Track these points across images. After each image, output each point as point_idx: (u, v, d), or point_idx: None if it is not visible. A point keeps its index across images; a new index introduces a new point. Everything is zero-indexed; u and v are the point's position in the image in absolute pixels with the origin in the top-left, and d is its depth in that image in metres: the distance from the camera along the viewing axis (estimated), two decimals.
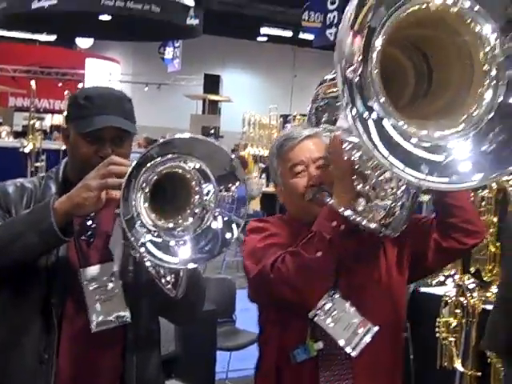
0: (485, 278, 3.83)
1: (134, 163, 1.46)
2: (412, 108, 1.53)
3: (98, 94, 1.77)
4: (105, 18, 15.14)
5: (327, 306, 1.80)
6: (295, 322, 1.84)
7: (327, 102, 1.92)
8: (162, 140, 1.50)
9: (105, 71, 19.71)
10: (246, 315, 4.63)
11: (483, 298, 3.52)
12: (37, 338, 1.67)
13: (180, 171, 1.53)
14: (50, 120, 18.08)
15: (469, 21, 1.43)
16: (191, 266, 1.53)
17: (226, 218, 1.55)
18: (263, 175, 9.73)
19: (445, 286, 3.83)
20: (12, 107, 17.84)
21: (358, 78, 1.34)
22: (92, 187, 1.54)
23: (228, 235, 1.56)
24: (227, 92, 18.49)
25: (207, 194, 1.54)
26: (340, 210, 1.67)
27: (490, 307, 3.43)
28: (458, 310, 3.45)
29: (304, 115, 13.70)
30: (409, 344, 3.62)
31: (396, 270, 1.92)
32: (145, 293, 1.73)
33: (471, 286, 3.42)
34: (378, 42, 1.37)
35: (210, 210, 1.55)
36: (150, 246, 1.48)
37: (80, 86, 17.08)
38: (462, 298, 3.43)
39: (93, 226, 1.73)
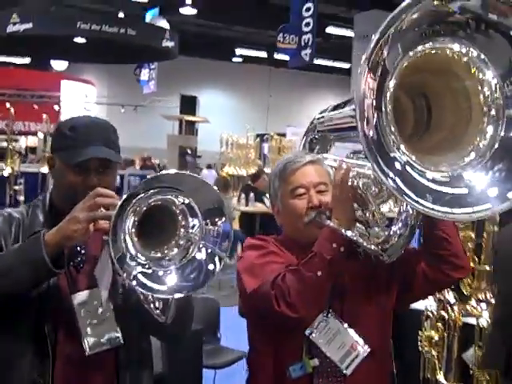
0: (464, 292, 3.92)
1: (122, 198, 1.50)
2: (415, 144, 1.58)
3: (83, 124, 1.80)
4: (80, 40, 15.15)
5: (322, 326, 1.86)
6: (291, 339, 1.88)
7: (322, 135, 2.00)
8: (149, 176, 1.55)
9: (80, 93, 19.65)
10: (229, 333, 4.67)
11: (463, 312, 3.60)
12: (31, 365, 1.69)
13: (167, 205, 1.58)
14: (25, 142, 17.95)
15: (474, 69, 1.51)
16: (178, 295, 1.58)
17: (209, 251, 1.61)
18: (242, 195, 9.77)
19: (426, 300, 3.91)
20: None
21: (375, 134, 1.39)
22: (80, 219, 1.57)
23: (211, 267, 1.60)
24: (204, 112, 18.55)
25: (193, 227, 1.60)
26: (342, 231, 1.74)
27: (470, 320, 3.52)
28: (439, 324, 3.53)
29: (280, 134, 13.84)
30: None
31: (385, 296, 1.98)
32: (135, 315, 1.75)
33: (452, 301, 3.49)
34: (392, 85, 1.43)
35: (194, 243, 1.60)
36: (140, 277, 1.53)
37: (56, 108, 17.08)
38: (443, 312, 3.50)
39: (82, 251, 1.77)
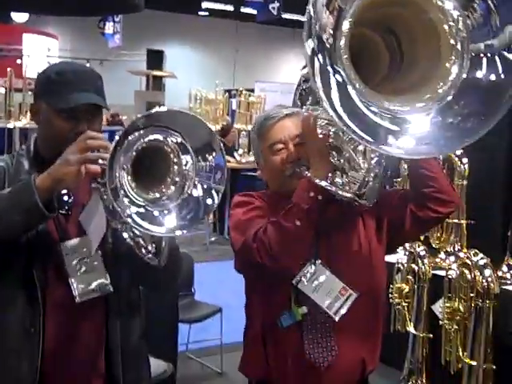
0: (433, 245, 4.02)
1: (116, 138, 1.49)
2: (384, 85, 1.61)
3: (70, 69, 1.77)
4: None
5: (310, 273, 1.91)
6: (279, 289, 1.93)
7: (311, 84, 2.01)
8: (143, 113, 1.53)
9: (43, 47, 19.16)
10: (204, 288, 4.74)
11: (433, 264, 3.70)
12: (21, 311, 1.70)
13: (159, 144, 1.58)
14: None
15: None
16: (178, 233, 1.58)
17: (205, 186, 1.62)
18: None
19: (396, 253, 4.00)
20: None
21: (329, 45, 1.41)
22: (72, 162, 1.56)
23: (209, 201, 1.62)
24: (171, 67, 18.21)
25: (186, 164, 1.60)
26: (316, 181, 1.76)
27: (439, 272, 3.62)
28: (409, 277, 3.62)
29: (248, 90, 13.74)
30: None
31: (375, 239, 2.02)
32: (125, 263, 1.77)
33: (422, 253, 3.59)
34: (346, 25, 1.44)
35: (189, 179, 1.61)
36: (136, 218, 1.52)
37: (18, 62, 16.62)
38: (413, 265, 3.59)
39: (70, 200, 1.76)
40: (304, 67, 2.06)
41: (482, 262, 3.13)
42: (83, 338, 1.78)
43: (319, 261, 1.93)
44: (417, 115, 1.52)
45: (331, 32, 1.42)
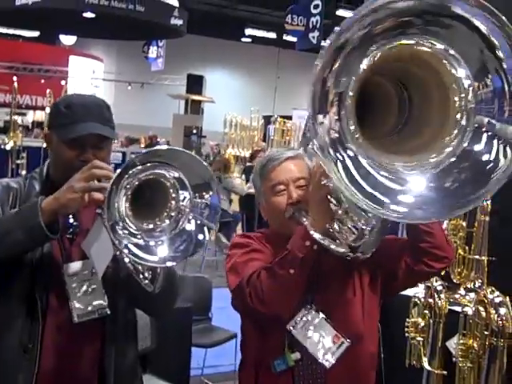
0: (454, 280, 3.95)
1: (117, 171, 1.56)
2: (384, 140, 1.61)
3: (78, 102, 1.87)
4: (89, 15, 15.11)
5: (304, 320, 1.90)
6: (273, 332, 1.92)
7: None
8: (145, 150, 1.62)
9: (88, 69, 19.66)
10: (222, 313, 4.73)
11: (451, 300, 3.64)
12: (21, 328, 1.76)
13: (159, 178, 1.65)
14: (33, 116, 17.99)
15: (445, 62, 1.48)
16: (169, 263, 1.65)
17: (198, 222, 1.68)
18: (243, 176, 9.80)
19: (415, 287, 3.95)
20: None
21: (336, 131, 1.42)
22: (76, 189, 1.65)
23: (200, 237, 1.68)
24: (210, 92, 18.50)
25: (183, 200, 1.67)
26: (311, 233, 1.77)
27: (456, 308, 3.55)
28: (426, 311, 3.57)
29: (284, 117, 13.80)
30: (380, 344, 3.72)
31: (369, 288, 2.00)
32: (123, 287, 1.83)
33: (439, 288, 3.53)
34: (363, 66, 1.44)
35: (184, 214, 1.67)
36: (132, 247, 1.60)
37: (63, 83, 17.07)
38: (430, 299, 3.54)
39: (74, 223, 1.85)
40: None
41: (497, 300, 3.06)
42: (79, 357, 1.83)
43: (314, 307, 1.93)
44: (415, 177, 1.51)
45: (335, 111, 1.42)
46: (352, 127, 1.44)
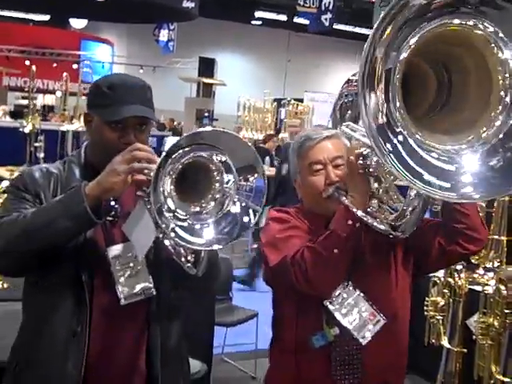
0: (472, 261, 3.99)
1: (163, 154, 1.56)
2: (426, 120, 1.62)
3: (120, 82, 1.85)
4: None
5: (341, 296, 1.92)
6: (310, 309, 1.95)
7: (352, 99, 2.02)
8: (188, 133, 1.61)
9: (99, 53, 19.67)
10: (240, 294, 4.82)
11: (470, 279, 3.68)
12: (69, 313, 1.77)
13: (204, 161, 1.64)
14: (42, 100, 18.02)
15: (492, 45, 1.51)
16: (216, 246, 1.64)
17: (243, 204, 1.67)
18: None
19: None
20: (6, 86, 17.79)
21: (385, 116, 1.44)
22: (119, 171, 1.65)
23: (246, 219, 1.67)
24: (221, 75, 18.46)
25: (227, 182, 1.66)
26: (354, 210, 1.80)
27: (476, 287, 3.60)
28: (445, 290, 3.61)
29: (297, 100, 13.80)
30: None
31: (403, 267, 2.04)
32: (166, 268, 1.83)
33: (459, 268, 3.57)
34: (402, 57, 1.46)
35: (229, 196, 1.66)
36: (178, 231, 1.60)
37: (74, 66, 17.10)
38: (449, 279, 3.58)
39: (116, 206, 1.84)
40: (348, 80, 2.08)
41: None
42: (126, 339, 1.85)
43: (351, 284, 1.95)
44: (466, 157, 1.53)
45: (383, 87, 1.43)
46: (401, 110, 1.46)
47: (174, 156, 1.58)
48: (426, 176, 1.46)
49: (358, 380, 1.97)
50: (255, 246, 8.38)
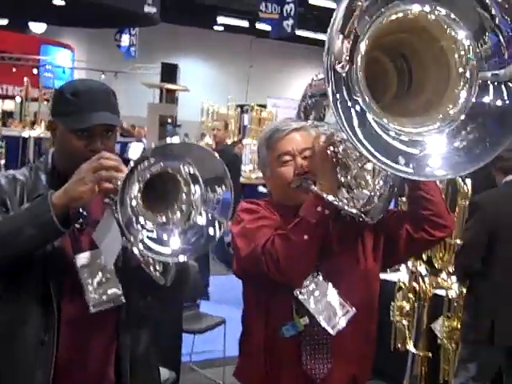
0: (436, 265, 4.08)
1: (130, 164, 1.56)
2: (393, 106, 1.68)
3: (85, 89, 1.83)
4: (59, 2, 14.87)
5: (311, 287, 1.96)
6: (279, 299, 1.99)
7: (315, 100, 2.07)
8: (157, 144, 1.63)
9: (59, 57, 19.39)
10: (208, 301, 4.81)
11: (434, 284, 3.76)
12: (37, 322, 1.76)
13: (171, 172, 1.65)
14: (1, 105, 17.67)
15: (445, 27, 1.59)
16: (182, 257, 1.64)
17: (209, 215, 1.68)
18: None
19: (399, 272, 4.06)
20: None
21: (345, 74, 1.50)
22: (87, 180, 1.64)
23: (211, 231, 1.68)
24: (184, 81, 18.37)
25: (194, 193, 1.67)
26: (324, 195, 1.83)
27: (440, 292, 3.68)
28: (410, 295, 3.68)
29: (260, 105, 13.83)
30: None
31: (372, 257, 2.08)
32: (135, 276, 1.83)
33: (423, 273, 3.65)
34: (363, 47, 1.53)
35: (195, 208, 1.68)
36: (146, 241, 1.60)
37: (34, 71, 16.82)
38: (414, 284, 3.65)
39: (84, 213, 1.83)
40: (311, 81, 2.13)
41: None
42: (95, 348, 1.84)
43: (321, 274, 1.99)
44: (431, 137, 1.60)
45: (347, 58, 1.51)
46: (366, 98, 1.52)
47: (141, 166, 1.59)
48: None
49: (327, 369, 2.00)
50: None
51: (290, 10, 13.60)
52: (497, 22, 1.55)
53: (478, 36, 1.58)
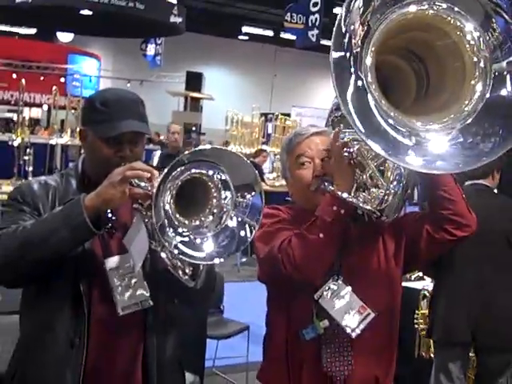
0: None
1: (164, 171, 1.60)
2: (416, 107, 1.70)
3: (114, 98, 1.89)
4: (86, 12, 15.08)
5: (331, 289, 1.97)
6: (301, 302, 2.00)
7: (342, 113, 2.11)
8: (189, 150, 1.64)
9: (86, 66, 19.65)
10: (232, 307, 4.81)
11: None
12: (68, 323, 1.80)
13: (203, 178, 1.69)
14: (28, 113, 17.91)
15: (449, 19, 1.59)
16: (217, 260, 1.67)
17: (239, 219, 1.72)
18: None
19: (423, 280, 4.04)
20: None
21: (356, 52, 1.56)
22: (118, 184, 1.69)
23: (242, 233, 1.71)
24: (209, 90, 18.53)
25: (225, 198, 1.71)
26: (339, 194, 1.86)
27: None
28: None
29: (284, 114, 13.87)
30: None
31: (393, 259, 2.07)
32: (162, 279, 1.85)
33: None
34: (371, 50, 1.56)
35: (226, 211, 1.71)
36: (181, 247, 1.64)
37: (62, 80, 17.07)
38: None
39: (113, 218, 1.87)
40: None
41: None
42: (123, 350, 1.87)
43: (341, 278, 2.00)
44: (436, 134, 1.61)
45: (360, 42, 1.54)
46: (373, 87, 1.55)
47: (174, 173, 1.62)
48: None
49: (348, 372, 2.00)
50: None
51: (315, 21, 13.61)
52: (499, 2, 1.56)
53: (486, 24, 1.58)
